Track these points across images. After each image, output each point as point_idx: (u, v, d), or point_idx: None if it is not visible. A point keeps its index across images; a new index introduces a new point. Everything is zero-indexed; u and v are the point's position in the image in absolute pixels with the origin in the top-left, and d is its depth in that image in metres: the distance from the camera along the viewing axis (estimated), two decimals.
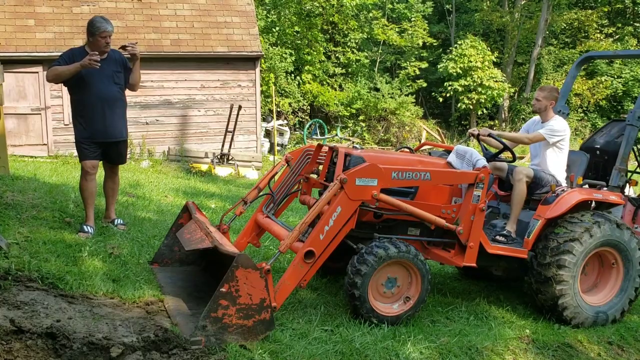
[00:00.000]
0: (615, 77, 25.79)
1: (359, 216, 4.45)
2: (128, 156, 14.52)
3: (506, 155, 5.37)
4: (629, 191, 6.39)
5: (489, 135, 5.35)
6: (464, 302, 5.28)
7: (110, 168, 6.03)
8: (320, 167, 5.15)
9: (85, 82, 5.59)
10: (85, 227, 5.68)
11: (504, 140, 5.29)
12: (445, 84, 25.73)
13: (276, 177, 5.31)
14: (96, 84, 5.60)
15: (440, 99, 26.64)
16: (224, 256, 3.91)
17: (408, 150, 5.79)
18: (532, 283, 5.06)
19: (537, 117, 5.63)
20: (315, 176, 5.21)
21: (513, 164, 5.43)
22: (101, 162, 5.94)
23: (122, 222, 6.10)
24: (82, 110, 5.67)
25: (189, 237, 4.52)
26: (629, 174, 5.77)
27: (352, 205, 4.30)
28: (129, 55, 5.84)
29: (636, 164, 6.02)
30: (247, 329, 3.71)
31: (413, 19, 26.90)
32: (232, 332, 3.66)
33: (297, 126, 23.18)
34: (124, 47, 5.81)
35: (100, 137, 5.70)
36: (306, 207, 5.26)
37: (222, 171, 13.77)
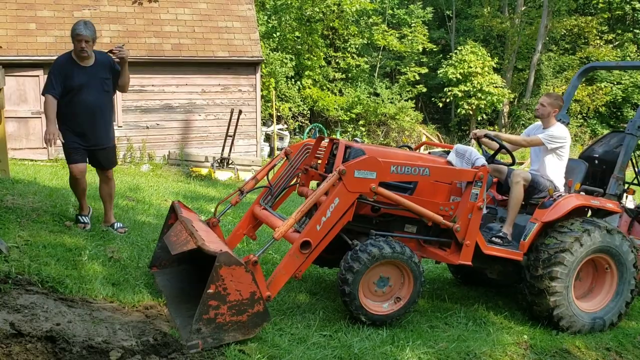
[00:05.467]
0: (615, 83, 25.85)
1: (357, 209, 4.44)
2: (128, 160, 14.65)
3: (503, 158, 5.38)
4: (627, 201, 6.39)
5: (486, 135, 5.37)
6: (463, 307, 5.29)
7: (103, 173, 6.01)
8: (319, 161, 5.14)
9: (75, 91, 5.55)
10: (80, 217, 5.90)
11: (500, 141, 5.30)
12: (445, 89, 25.78)
13: (275, 170, 5.31)
14: (86, 95, 5.58)
15: (440, 104, 26.69)
16: (208, 255, 3.89)
17: (408, 148, 5.80)
18: (527, 295, 5.05)
19: (538, 123, 5.65)
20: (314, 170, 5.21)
21: (512, 167, 5.45)
22: (94, 168, 5.97)
23: (121, 225, 6.11)
24: (71, 118, 5.63)
25: (175, 240, 4.48)
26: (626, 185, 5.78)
27: (350, 197, 4.30)
28: (118, 59, 5.79)
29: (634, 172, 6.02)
30: (243, 324, 3.71)
31: (413, 24, 26.98)
32: (228, 330, 3.66)
33: (297, 130, 23.23)
34: (111, 52, 5.77)
35: (89, 144, 5.72)
36: (304, 199, 5.26)
37: (222, 175, 13.80)
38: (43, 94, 5.58)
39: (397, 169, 4.47)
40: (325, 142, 5.14)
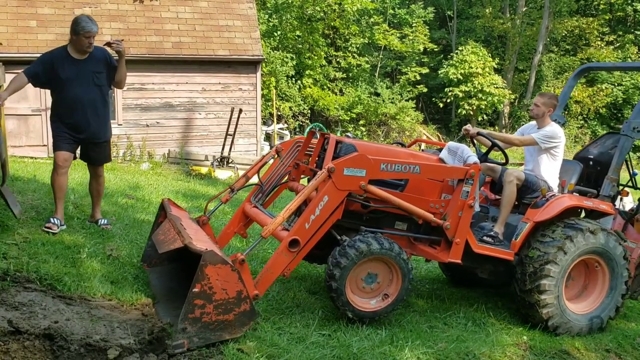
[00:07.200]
0: (616, 84, 25.85)
1: (346, 205, 4.41)
2: (128, 158, 14.64)
3: (495, 156, 5.33)
4: (627, 202, 6.34)
5: (478, 133, 5.32)
6: (462, 308, 5.28)
7: (93, 169, 5.94)
8: (310, 158, 5.09)
9: (63, 84, 5.52)
10: (52, 219, 5.57)
11: (493, 139, 5.25)
12: (445, 89, 25.78)
13: (266, 168, 5.28)
14: (74, 86, 5.53)
15: (441, 105, 26.69)
16: (195, 254, 3.84)
17: (400, 145, 5.78)
18: (520, 308, 5.04)
19: (533, 122, 5.62)
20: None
21: (506, 166, 5.41)
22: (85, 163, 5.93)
23: (106, 222, 6.03)
24: (61, 111, 5.64)
25: (162, 238, 4.44)
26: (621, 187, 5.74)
27: (339, 195, 4.26)
28: (115, 53, 5.71)
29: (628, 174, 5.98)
30: (230, 323, 3.68)
31: (414, 24, 26.97)
32: (214, 329, 3.62)
33: (298, 130, 23.20)
34: (109, 44, 5.66)
35: (80, 137, 5.67)
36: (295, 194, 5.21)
37: (222, 174, 13.78)
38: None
39: (387, 167, 4.43)
40: (314, 141, 5.10)
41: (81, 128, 5.63)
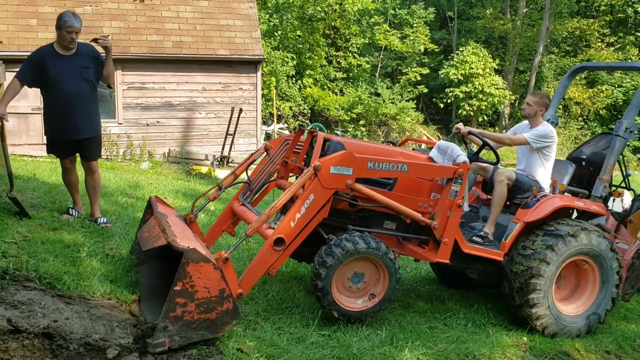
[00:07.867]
0: (616, 86, 25.85)
1: (334, 204, 4.38)
2: (128, 157, 14.62)
3: (487, 156, 5.30)
4: (622, 204, 6.32)
5: (469, 132, 5.28)
6: (462, 309, 5.27)
7: (86, 164, 5.97)
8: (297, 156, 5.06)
9: (52, 80, 5.59)
10: (70, 209, 6.05)
11: (484, 138, 5.22)
12: (446, 90, 25.79)
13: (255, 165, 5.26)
14: (64, 82, 5.59)
15: (441, 105, 26.70)
16: (178, 252, 3.76)
17: (392, 144, 5.75)
18: (515, 320, 5.03)
19: (526, 122, 5.59)
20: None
21: (498, 166, 5.39)
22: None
23: (105, 220, 6.03)
24: (52, 107, 5.72)
25: (147, 236, 4.40)
26: (613, 188, 5.71)
27: (326, 194, 4.23)
28: (102, 48, 5.77)
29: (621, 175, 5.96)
30: (212, 322, 3.62)
31: (415, 25, 26.97)
32: (196, 328, 3.57)
33: (298, 130, 23.20)
34: (95, 40, 5.73)
35: (69, 136, 5.74)
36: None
37: (222, 173, 13.77)
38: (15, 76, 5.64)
39: (375, 165, 4.40)
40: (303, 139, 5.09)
41: (72, 125, 5.68)
